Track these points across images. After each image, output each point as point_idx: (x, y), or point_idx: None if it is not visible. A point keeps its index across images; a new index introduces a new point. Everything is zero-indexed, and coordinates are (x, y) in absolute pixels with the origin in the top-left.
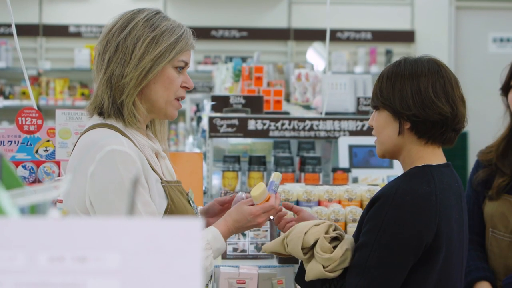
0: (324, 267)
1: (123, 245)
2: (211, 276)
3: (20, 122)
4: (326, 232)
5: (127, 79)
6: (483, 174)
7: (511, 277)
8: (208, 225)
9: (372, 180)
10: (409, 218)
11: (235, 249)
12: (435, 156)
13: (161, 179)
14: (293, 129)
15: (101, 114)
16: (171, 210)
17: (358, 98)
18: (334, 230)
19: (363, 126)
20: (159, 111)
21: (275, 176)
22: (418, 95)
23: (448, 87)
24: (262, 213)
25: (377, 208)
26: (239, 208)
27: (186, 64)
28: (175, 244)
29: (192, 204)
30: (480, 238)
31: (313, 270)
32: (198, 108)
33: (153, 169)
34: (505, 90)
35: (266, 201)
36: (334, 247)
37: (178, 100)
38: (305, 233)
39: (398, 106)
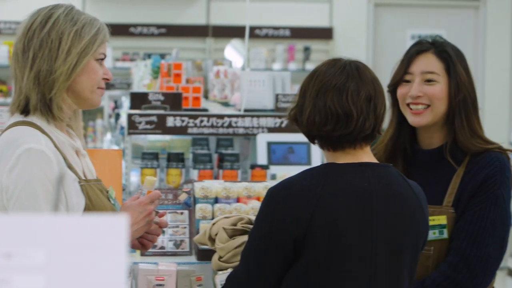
0: (220, 258)
1: (48, 242)
2: (130, 272)
3: None
4: (235, 225)
5: (57, 74)
6: None
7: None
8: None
9: None
10: (276, 212)
11: (153, 246)
12: (344, 156)
13: (79, 178)
14: (212, 126)
15: (23, 112)
16: (89, 208)
17: (277, 95)
18: (248, 223)
19: (281, 123)
20: (85, 101)
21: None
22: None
23: (312, 90)
24: (149, 201)
25: (262, 201)
26: (124, 207)
27: (105, 56)
28: (100, 240)
29: (112, 202)
30: None
31: (213, 261)
32: (116, 105)
33: (71, 168)
34: (395, 85)
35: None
36: None
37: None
38: (213, 224)
39: None
